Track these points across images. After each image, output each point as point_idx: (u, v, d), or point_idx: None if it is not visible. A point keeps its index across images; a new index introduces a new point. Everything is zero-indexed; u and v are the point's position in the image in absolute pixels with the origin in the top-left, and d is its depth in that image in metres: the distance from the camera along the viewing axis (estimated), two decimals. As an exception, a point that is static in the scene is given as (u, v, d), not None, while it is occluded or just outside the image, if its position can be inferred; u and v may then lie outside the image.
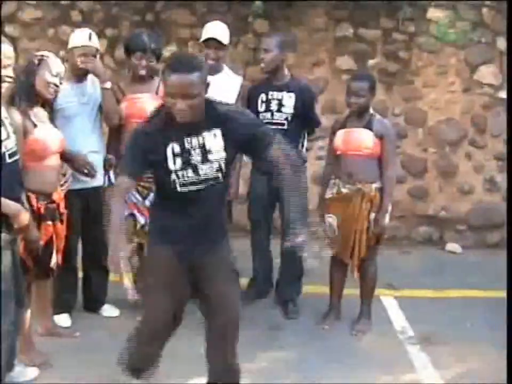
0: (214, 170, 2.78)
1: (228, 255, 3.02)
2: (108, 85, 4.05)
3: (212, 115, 2.75)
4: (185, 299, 3.01)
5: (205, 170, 2.76)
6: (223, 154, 2.77)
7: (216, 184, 2.81)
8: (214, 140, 2.76)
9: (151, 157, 2.73)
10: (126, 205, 4.16)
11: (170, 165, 2.73)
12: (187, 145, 2.73)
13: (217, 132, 2.76)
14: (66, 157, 3.82)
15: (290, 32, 5.98)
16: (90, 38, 4.03)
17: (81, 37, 4.05)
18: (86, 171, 3.98)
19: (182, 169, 2.74)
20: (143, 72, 4.14)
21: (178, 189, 2.76)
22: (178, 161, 2.73)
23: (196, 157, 2.74)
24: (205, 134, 2.75)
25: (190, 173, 2.75)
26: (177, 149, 2.73)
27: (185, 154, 2.73)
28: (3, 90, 2.99)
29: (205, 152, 2.75)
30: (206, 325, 3.00)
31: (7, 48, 2.95)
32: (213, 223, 2.90)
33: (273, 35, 4.48)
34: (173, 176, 2.74)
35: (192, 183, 2.77)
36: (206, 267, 2.92)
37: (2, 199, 2.87)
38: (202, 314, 3.01)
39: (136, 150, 2.77)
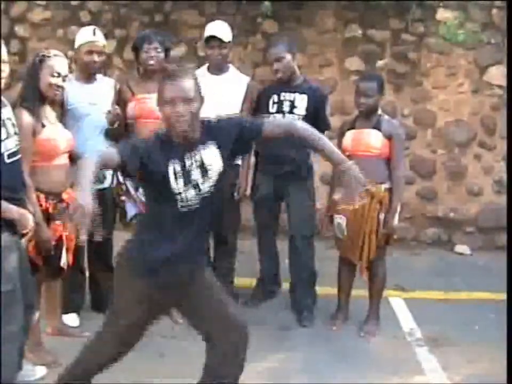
0: (213, 184, 2.76)
1: (210, 272, 3.00)
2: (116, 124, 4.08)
3: (206, 131, 2.75)
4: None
5: (205, 186, 2.74)
6: (220, 164, 2.76)
7: (211, 195, 2.78)
8: (210, 153, 2.75)
9: (151, 169, 2.63)
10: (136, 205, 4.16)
11: (174, 186, 2.68)
12: (187, 164, 2.71)
13: (211, 143, 2.75)
14: (74, 158, 3.83)
15: (294, 32, 5.99)
16: (94, 33, 4.05)
17: (85, 34, 4.07)
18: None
19: (185, 190, 2.70)
20: (152, 62, 4.11)
21: (180, 209, 2.72)
22: (180, 181, 2.70)
23: (196, 175, 2.72)
24: (201, 149, 2.74)
25: (192, 192, 2.72)
26: (178, 168, 2.70)
27: (185, 173, 2.70)
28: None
29: (204, 169, 2.74)
30: (212, 346, 2.90)
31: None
32: (199, 242, 2.87)
33: (278, 42, 4.39)
34: (178, 198, 2.70)
35: (194, 202, 2.74)
36: (195, 294, 2.88)
37: (4, 203, 2.85)
38: (202, 337, 2.93)
39: (136, 150, 2.63)
